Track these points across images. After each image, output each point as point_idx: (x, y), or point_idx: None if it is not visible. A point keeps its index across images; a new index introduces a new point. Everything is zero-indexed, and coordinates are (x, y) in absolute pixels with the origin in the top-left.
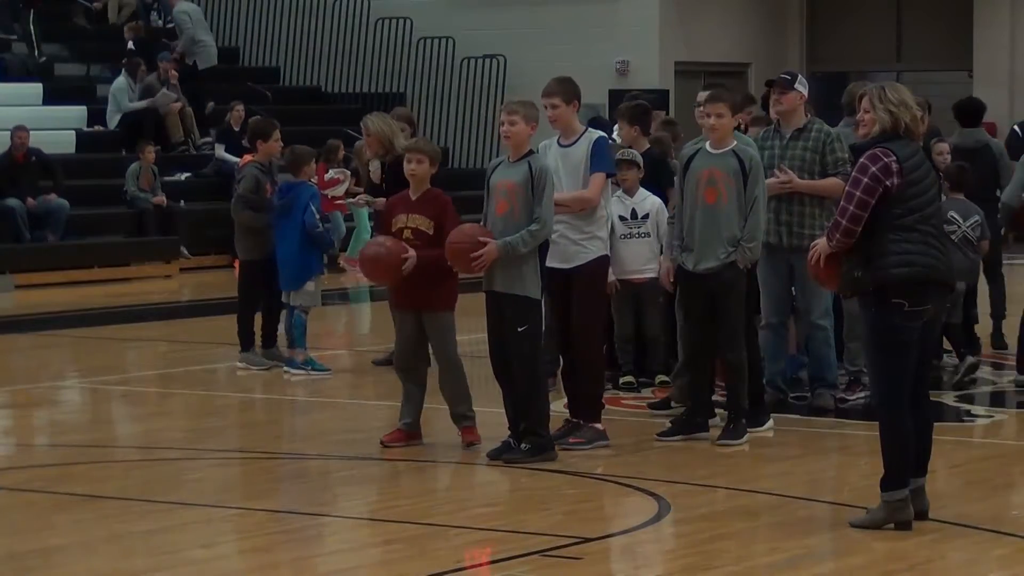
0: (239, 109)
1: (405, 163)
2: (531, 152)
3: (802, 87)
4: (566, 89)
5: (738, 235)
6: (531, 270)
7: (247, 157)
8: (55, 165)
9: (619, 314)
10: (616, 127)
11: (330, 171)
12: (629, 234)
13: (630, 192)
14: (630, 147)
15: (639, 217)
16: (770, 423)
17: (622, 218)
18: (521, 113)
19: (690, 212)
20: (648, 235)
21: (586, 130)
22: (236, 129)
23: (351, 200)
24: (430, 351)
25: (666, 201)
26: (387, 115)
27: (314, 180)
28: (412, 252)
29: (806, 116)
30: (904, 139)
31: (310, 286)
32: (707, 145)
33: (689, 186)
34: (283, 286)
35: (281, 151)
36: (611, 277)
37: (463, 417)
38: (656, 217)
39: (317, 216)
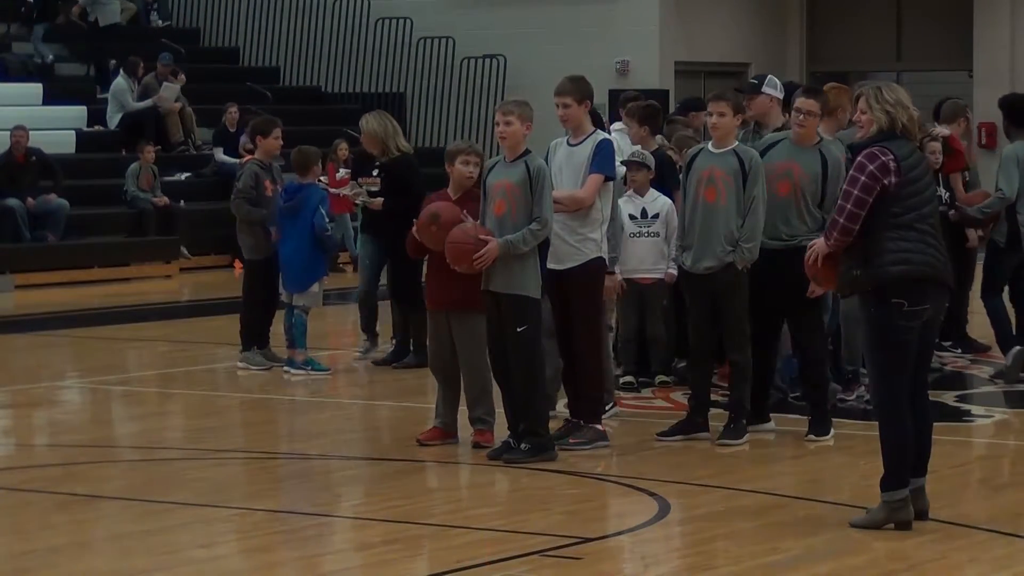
0: (233, 110)
1: (461, 165)
2: (528, 152)
3: (771, 89)
4: (579, 88)
5: (736, 235)
6: (531, 270)
7: (247, 156)
8: (55, 165)
9: (623, 314)
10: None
11: (340, 171)
12: (638, 233)
13: (640, 192)
14: (639, 147)
15: (649, 216)
16: (771, 424)
17: (632, 217)
18: (516, 113)
19: (690, 211)
20: (657, 235)
21: (594, 131)
22: (232, 131)
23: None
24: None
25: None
26: (386, 113)
27: (323, 180)
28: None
29: (784, 116)
30: (901, 138)
31: (315, 287)
32: (709, 144)
33: (691, 185)
34: (288, 287)
35: (282, 151)
36: (618, 276)
37: (480, 420)
38: (666, 218)
39: (327, 219)
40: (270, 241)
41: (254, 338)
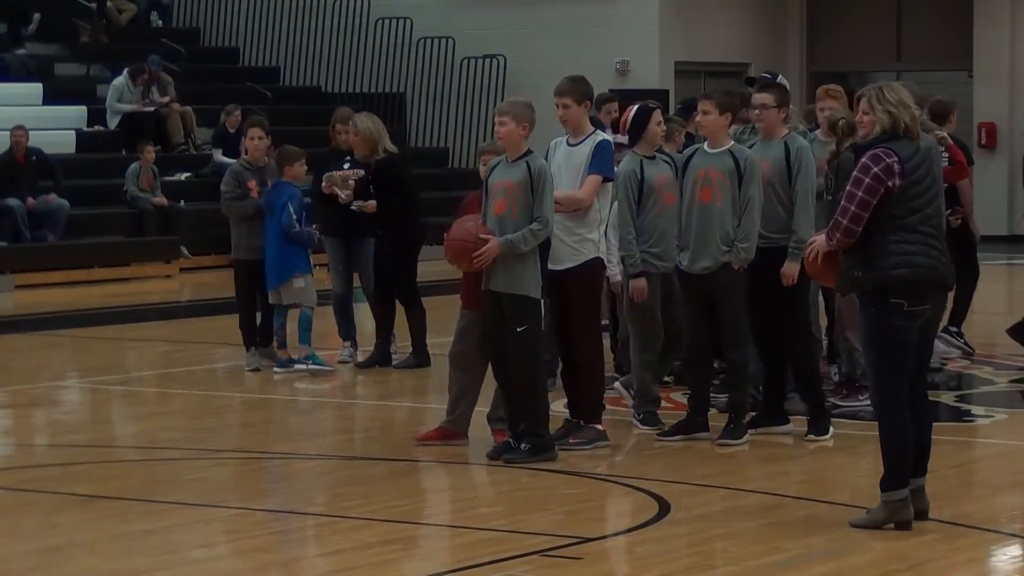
0: (236, 113)
1: (480, 165)
2: (529, 152)
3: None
4: (578, 89)
5: (732, 235)
6: (531, 269)
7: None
8: (55, 165)
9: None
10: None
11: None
12: None
13: None
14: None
15: None
16: (789, 426)
17: None
18: (510, 114)
19: (686, 211)
20: None
21: (594, 131)
22: (233, 131)
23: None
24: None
25: None
26: (375, 116)
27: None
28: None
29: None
30: (904, 139)
31: (298, 283)
32: (705, 144)
33: (687, 185)
34: (268, 284)
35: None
36: (618, 277)
37: (500, 419)
38: None
39: (294, 216)
40: (259, 240)
41: (254, 338)
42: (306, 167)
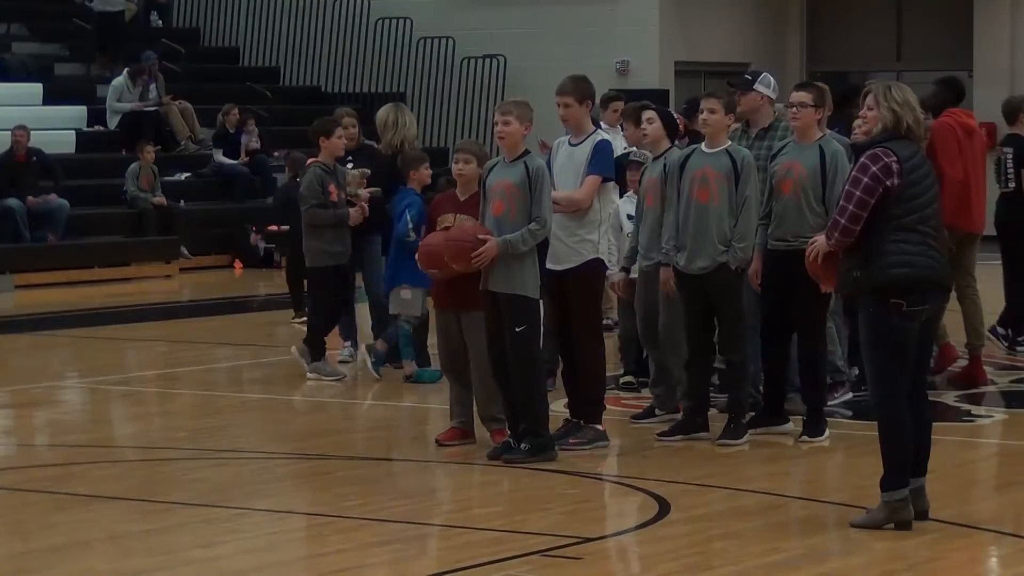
0: (234, 112)
1: (453, 163)
2: (527, 152)
3: (763, 87)
4: (580, 88)
5: (729, 235)
6: (530, 270)
7: (311, 160)
8: (55, 165)
9: (623, 314)
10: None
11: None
12: None
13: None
14: (635, 147)
15: None
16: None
17: (630, 216)
18: (515, 113)
19: (683, 211)
20: None
21: (594, 131)
22: (232, 131)
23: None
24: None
25: None
26: (401, 106)
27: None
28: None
29: (773, 115)
30: (904, 139)
31: (404, 294)
32: (703, 144)
33: (684, 185)
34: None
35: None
36: (617, 276)
37: (494, 419)
38: None
39: (410, 225)
40: (338, 249)
41: (323, 348)
42: (430, 170)
